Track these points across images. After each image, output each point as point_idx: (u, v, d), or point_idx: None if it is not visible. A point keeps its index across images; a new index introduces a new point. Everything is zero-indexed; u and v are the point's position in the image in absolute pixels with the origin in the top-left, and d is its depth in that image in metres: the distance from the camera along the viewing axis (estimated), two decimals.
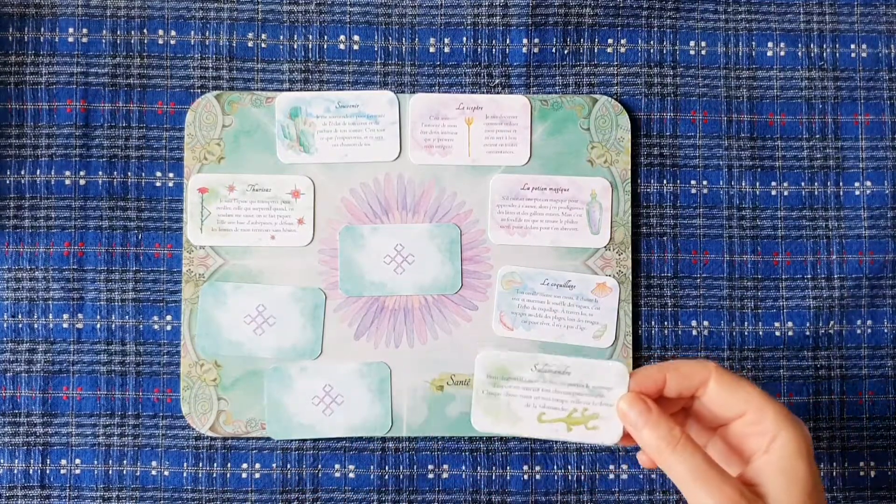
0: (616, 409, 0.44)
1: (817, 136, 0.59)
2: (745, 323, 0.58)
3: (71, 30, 0.58)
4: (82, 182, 0.58)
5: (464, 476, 0.57)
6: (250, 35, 0.59)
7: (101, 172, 0.58)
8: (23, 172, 0.58)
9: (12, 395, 0.57)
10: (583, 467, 0.57)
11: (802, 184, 0.59)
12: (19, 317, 0.57)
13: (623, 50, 0.59)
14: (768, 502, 0.40)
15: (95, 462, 0.57)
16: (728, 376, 0.42)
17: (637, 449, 0.48)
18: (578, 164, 0.58)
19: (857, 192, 0.59)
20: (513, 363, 0.45)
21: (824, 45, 0.59)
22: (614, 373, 0.44)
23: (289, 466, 0.57)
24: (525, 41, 0.59)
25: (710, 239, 0.58)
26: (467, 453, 0.57)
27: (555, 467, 0.57)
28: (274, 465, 0.57)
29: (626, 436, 0.44)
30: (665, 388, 0.43)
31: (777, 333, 0.58)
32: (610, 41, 0.59)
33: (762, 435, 0.41)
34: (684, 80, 0.59)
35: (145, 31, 0.58)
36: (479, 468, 0.57)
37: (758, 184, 0.59)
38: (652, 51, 0.59)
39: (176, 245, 0.58)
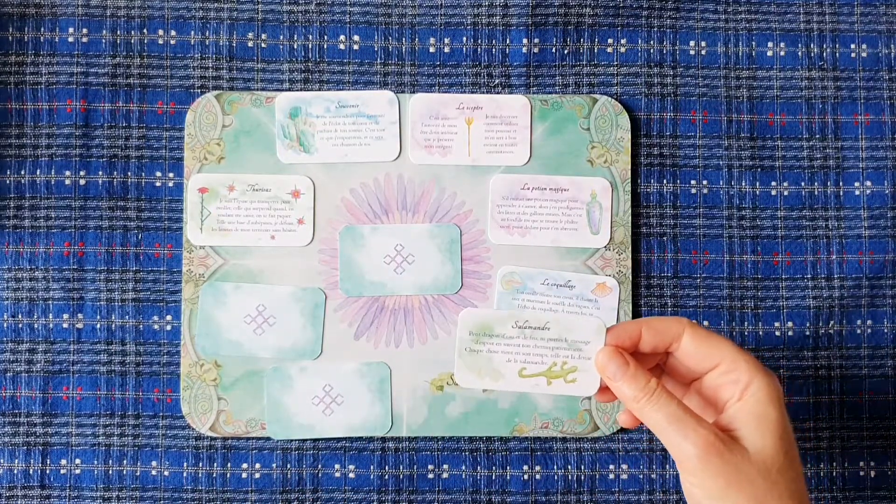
0: (594, 361, 0.45)
1: (817, 136, 0.59)
2: (745, 323, 0.58)
3: (71, 30, 0.58)
4: (82, 182, 0.58)
5: (464, 476, 0.57)
6: (250, 35, 0.59)
7: (101, 172, 0.58)
8: (23, 172, 0.58)
9: (12, 395, 0.57)
10: (583, 467, 0.57)
11: (802, 184, 0.59)
12: (19, 317, 0.57)
13: (623, 50, 0.59)
14: (742, 443, 0.42)
15: (95, 462, 0.57)
16: (700, 330, 0.44)
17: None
18: (578, 164, 0.58)
19: (857, 192, 0.59)
20: (494, 320, 0.46)
21: (824, 45, 0.59)
22: (592, 327, 0.46)
23: (289, 466, 0.57)
24: (525, 41, 0.59)
25: (710, 239, 0.58)
26: (467, 453, 0.57)
27: (555, 467, 0.57)
28: (274, 465, 0.57)
29: (602, 390, 0.46)
30: (640, 343, 0.45)
31: (777, 333, 0.58)
32: (610, 41, 0.59)
33: (735, 384, 0.43)
34: (684, 80, 0.59)
35: (145, 30, 0.58)
36: (479, 468, 0.57)
37: (758, 184, 0.59)
38: (652, 51, 0.59)
39: (176, 245, 0.58)
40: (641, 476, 0.57)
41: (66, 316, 0.57)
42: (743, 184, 0.59)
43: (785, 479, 0.41)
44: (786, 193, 0.59)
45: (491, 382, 0.46)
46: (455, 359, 0.46)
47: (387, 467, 0.57)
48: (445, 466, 0.57)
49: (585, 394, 0.46)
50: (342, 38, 0.59)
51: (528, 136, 0.58)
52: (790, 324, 0.58)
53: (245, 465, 0.57)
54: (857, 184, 0.59)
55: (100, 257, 0.58)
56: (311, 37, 0.59)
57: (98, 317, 0.57)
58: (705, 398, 0.45)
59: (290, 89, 0.58)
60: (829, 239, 0.59)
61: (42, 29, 0.58)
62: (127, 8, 0.58)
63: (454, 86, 0.59)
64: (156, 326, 0.57)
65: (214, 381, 0.57)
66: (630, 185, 0.58)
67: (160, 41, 0.58)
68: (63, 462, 0.57)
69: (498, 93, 0.58)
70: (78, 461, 0.57)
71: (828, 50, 0.59)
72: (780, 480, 0.41)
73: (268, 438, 0.57)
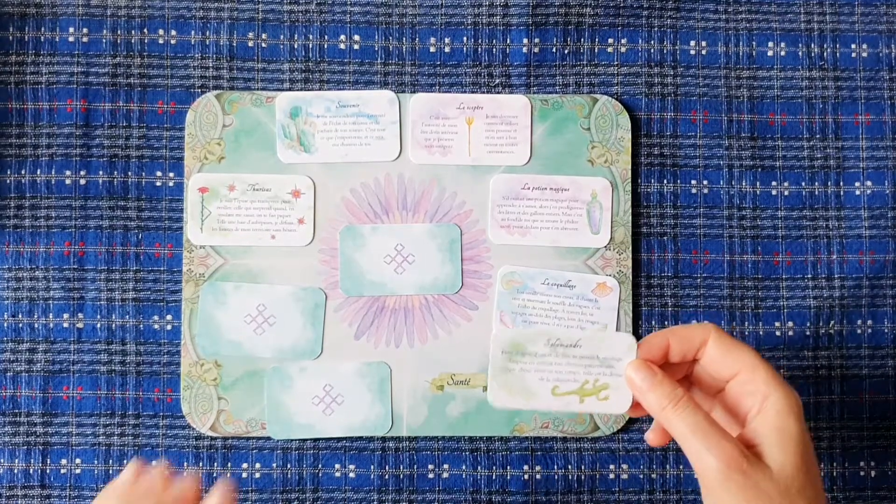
0: (624, 376, 0.45)
1: (818, 135, 0.59)
2: (746, 323, 0.58)
3: (71, 29, 0.58)
4: (83, 182, 0.58)
5: (464, 476, 0.57)
6: (251, 35, 0.59)
7: (101, 172, 0.58)
8: (23, 172, 0.58)
9: (13, 395, 0.57)
10: (583, 467, 0.57)
11: (803, 183, 0.59)
12: (20, 316, 0.57)
13: (623, 50, 0.59)
14: (764, 459, 0.41)
15: (96, 462, 0.57)
16: (725, 337, 0.44)
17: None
18: (579, 163, 0.58)
19: (858, 192, 0.59)
20: (526, 339, 0.46)
21: (825, 45, 0.59)
22: (623, 343, 0.45)
23: (289, 466, 0.57)
24: (525, 41, 0.59)
25: (710, 239, 0.58)
26: (467, 453, 0.57)
27: (555, 467, 0.57)
28: (274, 465, 0.57)
29: (636, 406, 0.45)
30: (669, 353, 0.44)
31: (777, 333, 0.58)
32: (610, 41, 0.59)
33: (754, 394, 0.43)
34: (685, 79, 0.59)
35: (146, 30, 0.58)
36: (479, 468, 0.57)
37: (758, 183, 0.59)
38: (652, 50, 0.59)
39: (176, 245, 0.58)
40: (642, 476, 0.57)
41: (66, 315, 0.57)
42: (743, 184, 0.59)
43: (804, 498, 0.41)
44: (786, 193, 0.59)
45: (524, 402, 0.46)
46: (488, 380, 0.46)
47: (387, 467, 0.57)
48: (446, 466, 0.57)
49: (618, 411, 0.46)
50: (342, 37, 0.59)
51: (528, 135, 0.58)
52: (790, 324, 0.58)
53: (245, 465, 0.57)
54: (857, 184, 0.59)
55: (100, 257, 0.58)
56: (311, 36, 0.59)
57: (98, 316, 0.57)
58: (729, 410, 0.44)
59: (290, 89, 0.58)
60: (829, 239, 0.59)
61: (42, 29, 0.58)
62: (127, 8, 0.58)
63: (454, 86, 0.59)
64: (156, 326, 0.57)
65: (215, 380, 0.57)
66: (630, 184, 0.58)
67: (160, 41, 0.58)
68: (63, 462, 0.57)
69: (498, 92, 0.58)
70: (78, 461, 0.57)
71: (828, 50, 0.59)
72: (799, 500, 0.41)
73: (268, 438, 0.57)
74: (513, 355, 0.46)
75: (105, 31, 0.58)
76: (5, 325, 0.57)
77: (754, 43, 0.59)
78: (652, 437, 0.47)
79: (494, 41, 0.59)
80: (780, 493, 0.40)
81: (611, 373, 0.46)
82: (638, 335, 0.58)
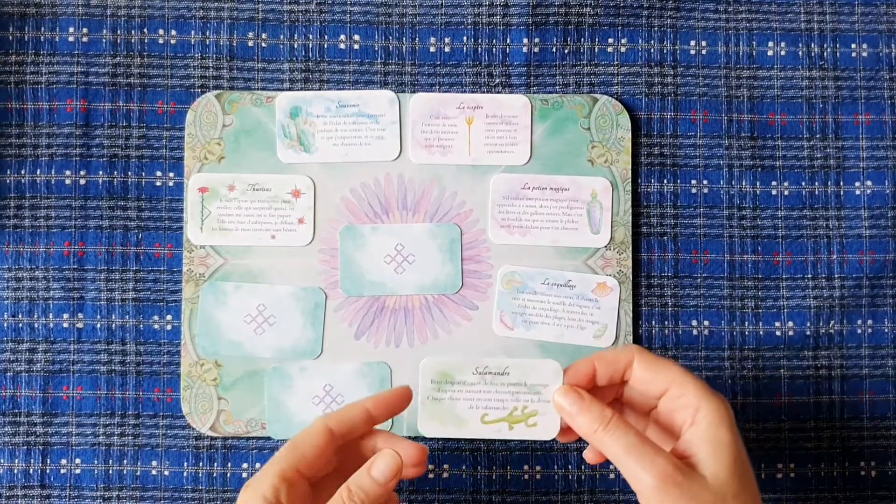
0: (552, 402, 0.46)
1: (818, 135, 0.59)
2: (746, 323, 0.58)
3: (71, 29, 0.58)
4: (82, 182, 0.58)
5: (464, 476, 0.57)
6: (251, 34, 0.59)
7: (101, 172, 0.58)
8: (23, 172, 0.58)
9: (12, 395, 0.57)
10: (583, 467, 0.57)
11: (803, 183, 0.59)
12: (19, 316, 0.57)
13: (623, 49, 0.59)
14: (699, 469, 0.42)
15: (95, 462, 0.57)
16: (649, 356, 0.45)
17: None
18: (579, 163, 0.58)
19: (858, 192, 0.59)
20: (455, 367, 0.47)
21: (825, 45, 0.59)
22: (550, 370, 0.47)
23: None
24: (525, 41, 0.59)
25: (710, 239, 0.58)
26: (467, 453, 0.57)
27: (555, 467, 0.57)
28: None
29: (564, 431, 0.47)
30: (596, 377, 0.46)
31: (777, 333, 0.58)
32: (610, 41, 0.59)
33: (686, 408, 0.44)
34: (685, 79, 0.59)
35: (145, 30, 0.58)
36: (479, 468, 0.57)
37: (758, 183, 0.59)
38: (652, 50, 0.59)
39: (176, 245, 0.58)
40: None
41: (66, 315, 0.57)
42: (743, 183, 0.59)
43: (739, 503, 0.42)
44: (786, 193, 0.59)
45: (454, 430, 0.47)
46: (418, 407, 0.47)
47: None
48: (446, 466, 0.57)
49: (547, 437, 0.47)
50: (342, 37, 0.59)
51: (528, 135, 0.58)
52: (791, 323, 0.58)
53: (245, 465, 0.57)
54: (857, 183, 0.59)
55: (100, 257, 0.58)
56: (311, 36, 0.59)
57: (98, 316, 0.57)
58: (663, 426, 0.46)
59: (290, 89, 0.58)
60: (829, 239, 0.59)
61: (42, 28, 0.58)
62: (127, 7, 0.58)
63: (454, 85, 0.59)
64: (156, 326, 0.57)
65: (215, 380, 0.57)
66: (630, 184, 0.58)
67: (160, 41, 0.58)
68: (63, 462, 0.57)
69: (498, 92, 0.58)
70: (78, 461, 0.57)
71: (828, 49, 0.59)
72: None
73: (268, 438, 0.57)
74: (442, 384, 0.47)
75: (105, 31, 0.58)
76: (5, 325, 0.57)
77: (754, 43, 0.59)
78: (590, 456, 0.48)
79: (494, 41, 0.59)
80: (715, 500, 0.41)
81: (538, 399, 0.47)
82: (638, 335, 0.58)
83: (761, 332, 0.58)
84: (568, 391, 0.45)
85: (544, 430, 0.47)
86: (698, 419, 0.43)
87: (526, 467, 0.57)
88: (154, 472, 0.57)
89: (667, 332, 0.58)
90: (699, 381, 0.44)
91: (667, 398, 0.45)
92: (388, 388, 0.46)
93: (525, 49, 0.59)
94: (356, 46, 0.59)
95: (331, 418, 0.45)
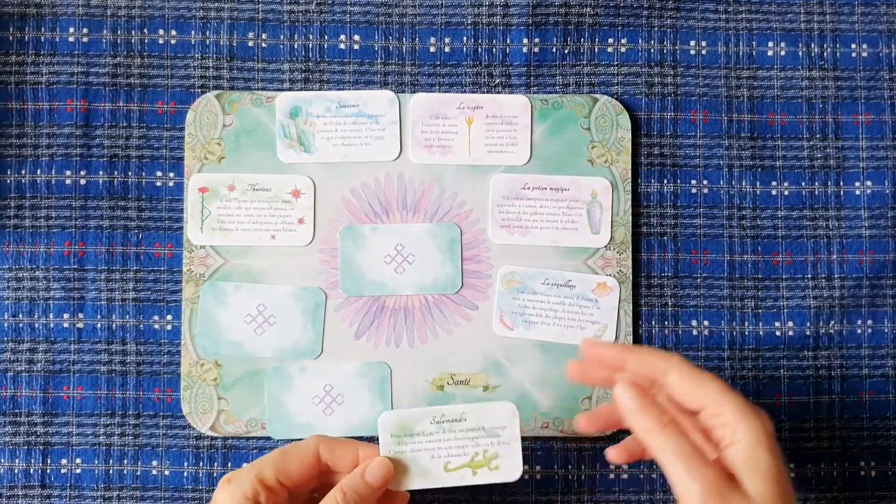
0: (612, 395, 0.46)
1: (818, 135, 0.59)
2: (746, 323, 0.58)
3: (71, 29, 0.58)
4: (83, 182, 0.58)
5: None
6: (251, 35, 0.59)
7: (101, 172, 0.58)
8: (23, 172, 0.58)
9: (13, 395, 0.57)
10: (583, 467, 0.57)
11: (803, 183, 0.59)
12: (20, 316, 0.57)
13: (623, 49, 0.59)
14: (742, 488, 0.42)
15: (96, 462, 0.57)
16: (689, 369, 0.44)
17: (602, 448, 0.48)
18: (579, 163, 0.58)
19: (858, 192, 0.59)
20: (412, 419, 0.48)
21: (825, 45, 0.59)
22: (506, 412, 0.48)
23: None
24: (525, 41, 0.59)
25: (710, 239, 0.58)
26: None
27: (555, 467, 0.57)
28: None
29: (591, 418, 0.48)
30: (625, 368, 0.46)
31: (777, 333, 0.58)
32: (610, 41, 0.59)
33: (724, 427, 0.43)
34: (685, 79, 0.59)
35: (146, 30, 0.58)
36: None
37: (758, 183, 0.59)
38: (652, 50, 0.59)
39: (176, 245, 0.58)
40: (642, 476, 0.57)
41: (66, 315, 0.57)
42: (743, 183, 0.59)
43: None
44: (786, 193, 0.59)
45: (419, 481, 0.48)
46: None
47: None
48: None
49: (511, 479, 0.48)
50: (342, 37, 0.59)
51: (528, 135, 0.58)
52: (790, 323, 0.58)
53: (245, 465, 0.57)
54: (857, 184, 0.59)
55: (100, 257, 0.58)
56: (311, 36, 0.59)
57: (98, 316, 0.57)
58: (704, 434, 0.45)
59: (290, 89, 0.58)
60: (829, 239, 0.59)
61: (42, 29, 0.58)
62: (127, 8, 0.58)
63: (454, 85, 0.59)
64: (156, 326, 0.57)
65: (215, 380, 0.57)
66: (630, 184, 0.58)
67: (160, 41, 0.58)
68: (63, 462, 0.57)
69: (498, 92, 0.58)
70: (78, 461, 0.57)
71: (828, 50, 0.59)
72: None
73: (268, 438, 0.57)
74: (401, 438, 0.48)
75: (105, 31, 0.58)
76: (5, 324, 0.57)
77: (754, 43, 0.59)
78: (615, 455, 0.48)
79: (494, 41, 0.59)
80: None
81: (498, 441, 0.48)
82: (638, 335, 0.58)
83: (761, 333, 0.58)
84: (630, 387, 0.44)
85: (507, 471, 0.48)
86: (737, 439, 0.42)
87: (526, 467, 0.57)
88: (154, 472, 0.57)
89: (667, 332, 0.58)
90: (738, 398, 0.43)
91: (705, 415, 0.44)
92: (379, 455, 0.47)
93: (525, 49, 0.59)
94: (356, 46, 0.59)
95: (324, 445, 0.46)
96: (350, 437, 0.57)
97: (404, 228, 0.58)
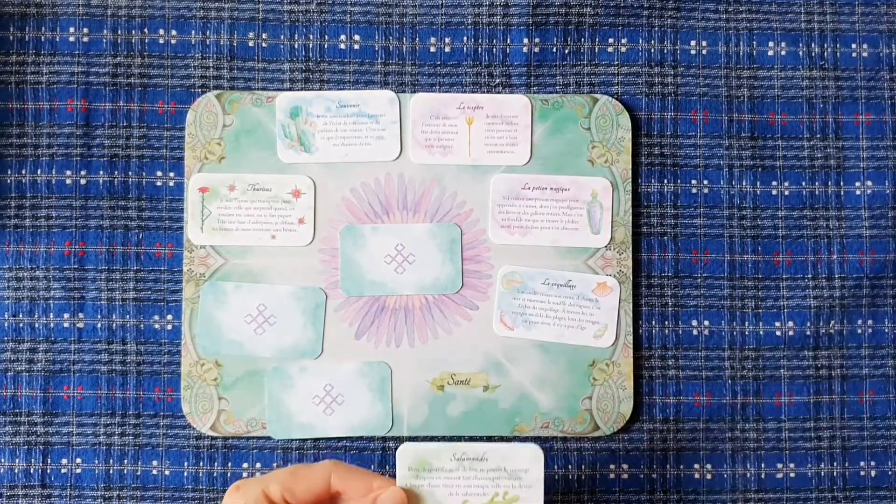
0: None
1: (818, 135, 0.59)
2: (746, 322, 0.58)
3: (72, 29, 0.58)
4: (83, 181, 0.58)
5: None
6: (251, 35, 0.59)
7: (101, 172, 0.58)
8: (24, 172, 0.58)
9: (13, 395, 0.57)
10: (583, 467, 0.57)
11: (803, 183, 0.59)
12: (20, 316, 0.57)
13: (624, 49, 0.59)
14: None
15: (96, 461, 0.57)
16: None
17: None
18: (579, 163, 0.58)
19: (858, 192, 0.59)
20: (432, 454, 0.46)
21: (825, 45, 0.59)
22: (529, 454, 0.46)
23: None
24: (526, 41, 0.59)
25: (710, 238, 0.58)
26: None
27: (555, 467, 0.57)
28: (275, 465, 0.57)
29: None
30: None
31: (778, 333, 0.58)
32: (611, 41, 0.59)
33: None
34: (685, 79, 0.59)
35: (146, 30, 0.58)
36: None
37: (758, 183, 0.59)
38: (653, 50, 0.59)
39: (177, 244, 0.58)
40: (642, 476, 0.57)
41: (66, 315, 0.57)
42: (744, 183, 0.59)
43: None
44: (786, 193, 0.59)
45: None
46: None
47: (387, 467, 0.57)
48: None
49: None
50: (343, 37, 0.59)
51: (528, 135, 0.58)
52: (791, 323, 0.58)
53: (246, 465, 0.57)
54: (857, 183, 0.59)
55: (100, 257, 0.58)
56: (311, 36, 0.59)
57: (99, 316, 0.57)
58: None
59: (290, 89, 0.58)
60: (829, 239, 0.59)
61: (43, 28, 0.58)
62: (128, 7, 0.58)
63: (455, 85, 0.59)
64: (156, 326, 0.57)
65: (215, 380, 0.57)
66: (631, 184, 0.58)
67: (161, 41, 0.58)
68: (64, 461, 0.57)
69: (499, 92, 0.58)
70: (79, 460, 0.57)
71: (829, 49, 0.59)
72: None
73: (268, 438, 0.57)
74: (419, 472, 0.46)
75: (105, 31, 0.58)
76: (6, 324, 0.57)
77: (755, 43, 0.59)
78: None
79: (495, 41, 0.59)
80: None
81: (520, 484, 0.46)
82: (638, 335, 0.58)
83: (761, 332, 0.58)
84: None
85: None
86: None
87: None
88: (154, 472, 0.57)
89: (667, 332, 0.58)
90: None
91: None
92: (394, 486, 0.46)
93: (525, 49, 0.59)
94: (356, 46, 0.59)
95: (337, 473, 0.45)
96: (351, 438, 0.57)
97: (404, 228, 0.58)
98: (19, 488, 0.57)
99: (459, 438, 0.57)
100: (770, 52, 0.59)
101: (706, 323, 0.58)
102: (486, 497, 0.46)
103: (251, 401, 0.57)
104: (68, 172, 0.58)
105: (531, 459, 0.46)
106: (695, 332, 0.58)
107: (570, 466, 0.57)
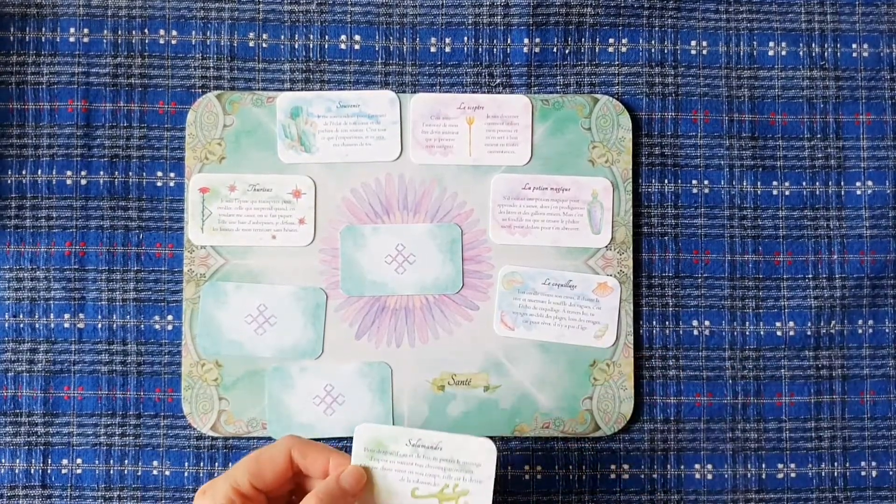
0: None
1: (818, 135, 0.59)
2: (747, 323, 0.58)
3: (72, 30, 0.58)
4: (83, 182, 0.58)
5: None
6: (251, 35, 0.59)
7: (102, 172, 0.58)
8: (24, 172, 0.58)
9: (14, 395, 0.57)
10: (584, 467, 0.57)
11: (804, 183, 0.59)
12: (21, 316, 0.57)
13: (624, 49, 0.59)
14: None
15: (97, 462, 0.57)
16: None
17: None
18: (579, 163, 0.58)
19: (859, 192, 0.59)
20: (389, 437, 0.46)
21: (826, 45, 0.59)
22: (483, 449, 0.46)
23: None
24: (526, 41, 0.59)
25: (711, 239, 0.58)
26: None
27: (556, 467, 0.57)
28: None
29: None
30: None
31: (778, 333, 0.58)
32: (611, 41, 0.59)
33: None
34: (685, 79, 0.59)
35: (146, 30, 0.58)
36: None
37: (759, 183, 0.59)
38: (653, 50, 0.59)
39: (177, 245, 0.58)
40: (643, 476, 0.57)
41: (67, 316, 0.57)
42: (744, 183, 0.59)
43: None
44: (787, 193, 0.59)
45: (384, 501, 0.46)
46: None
47: None
48: None
49: None
50: (343, 37, 0.59)
51: (529, 135, 0.58)
52: (791, 323, 0.58)
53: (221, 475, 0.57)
54: (858, 183, 0.59)
55: (101, 257, 0.58)
56: (312, 37, 0.59)
57: (99, 317, 0.57)
58: None
59: (291, 89, 0.58)
60: (830, 239, 0.59)
61: (43, 29, 0.58)
62: (128, 8, 0.58)
63: (455, 85, 0.59)
64: (157, 326, 0.57)
65: (215, 380, 0.57)
66: (631, 184, 0.58)
67: (161, 41, 0.59)
68: (64, 462, 0.57)
69: (499, 92, 0.58)
70: (79, 461, 0.57)
71: (829, 50, 0.59)
72: None
73: (269, 438, 0.57)
74: (375, 453, 0.46)
75: (106, 32, 0.58)
76: (6, 325, 0.57)
77: (755, 43, 0.59)
78: None
79: (495, 41, 0.59)
80: None
81: (470, 478, 0.46)
82: (639, 335, 0.58)
83: (762, 332, 0.58)
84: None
85: None
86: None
87: (527, 467, 0.57)
88: (155, 472, 0.57)
89: (667, 332, 0.58)
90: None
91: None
92: (349, 464, 0.46)
93: (526, 49, 0.59)
94: (357, 47, 0.59)
95: (297, 448, 0.46)
96: (352, 439, 0.57)
97: (405, 228, 0.58)
98: (20, 489, 0.57)
99: None
100: (770, 52, 0.59)
101: (707, 323, 0.58)
102: (435, 487, 0.46)
103: (252, 401, 0.57)
104: (69, 173, 0.58)
105: (485, 453, 0.46)
106: (695, 332, 0.58)
107: (570, 466, 0.57)
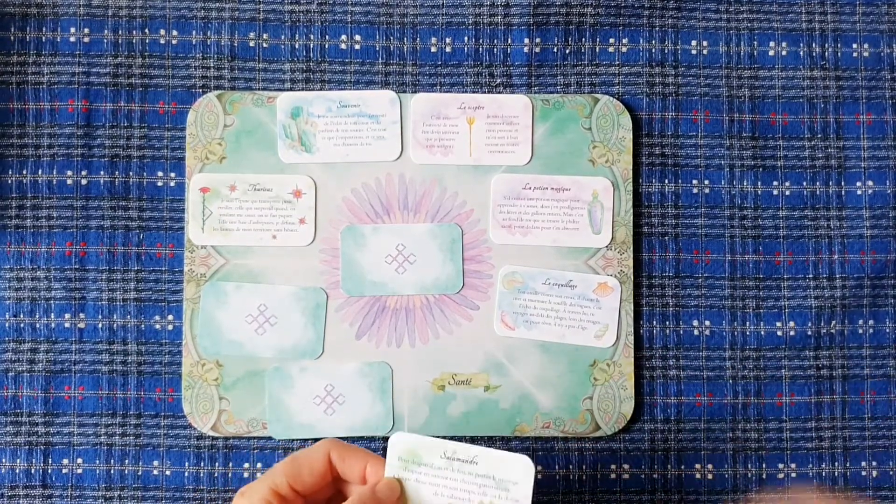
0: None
1: (819, 135, 0.59)
2: (747, 323, 0.58)
3: (73, 29, 0.58)
4: (84, 182, 0.58)
5: None
6: (252, 35, 0.59)
7: (102, 172, 0.58)
8: (25, 172, 0.58)
9: (14, 395, 0.57)
10: (584, 467, 0.57)
11: (804, 183, 0.59)
12: (21, 316, 0.57)
13: (624, 49, 0.59)
14: None
15: (97, 462, 0.57)
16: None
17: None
18: (580, 163, 0.58)
19: (859, 192, 0.59)
20: (424, 448, 0.45)
21: (826, 45, 0.59)
22: (520, 466, 0.44)
23: None
24: (526, 41, 0.59)
25: (711, 239, 0.58)
26: None
27: (556, 467, 0.57)
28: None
29: None
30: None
31: (779, 333, 0.58)
32: (611, 41, 0.59)
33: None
34: (686, 79, 0.59)
35: (147, 30, 0.58)
36: None
37: (759, 183, 0.59)
38: (653, 50, 0.59)
39: (177, 245, 0.58)
40: (643, 476, 0.57)
41: (67, 316, 0.57)
42: (745, 183, 0.59)
43: None
44: (787, 193, 0.59)
45: None
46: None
47: None
48: None
49: None
50: (343, 37, 0.59)
51: (529, 135, 0.58)
52: (792, 323, 0.58)
53: (247, 465, 0.57)
54: (858, 183, 0.59)
55: (101, 257, 0.58)
56: (312, 36, 0.59)
57: (100, 316, 0.57)
58: None
59: (291, 89, 0.58)
60: (830, 239, 0.59)
61: (44, 29, 0.58)
62: (128, 8, 0.58)
63: (455, 85, 0.59)
64: (157, 326, 0.57)
65: (216, 380, 0.57)
66: (632, 184, 0.58)
67: (162, 41, 0.59)
68: (65, 462, 0.57)
69: (499, 92, 0.58)
70: (80, 461, 0.57)
71: (829, 49, 0.59)
72: None
73: (269, 438, 0.57)
74: (409, 464, 0.45)
75: (106, 32, 0.58)
76: (7, 325, 0.57)
77: (755, 43, 0.59)
78: None
79: (495, 41, 0.59)
80: None
81: (507, 496, 0.44)
82: (639, 335, 0.58)
83: (762, 333, 0.58)
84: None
85: None
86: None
87: None
88: (155, 472, 0.57)
89: (668, 332, 0.58)
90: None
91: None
92: (390, 478, 0.46)
93: (526, 49, 0.59)
94: (357, 46, 0.59)
95: (335, 451, 0.45)
96: (352, 438, 0.57)
97: (405, 228, 0.58)
98: (20, 488, 0.57)
99: (460, 439, 0.57)
100: (771, 52, 0.59)
101: (707, 323, 0.58)
102: (470, 503, 0.44)
103: (252, 401, 0.57)
104: (69, 173, 0.58)
105: (522, 472, 0.44)
106: (696, 332, 0.58)
107: (570, 466, 0.57)
